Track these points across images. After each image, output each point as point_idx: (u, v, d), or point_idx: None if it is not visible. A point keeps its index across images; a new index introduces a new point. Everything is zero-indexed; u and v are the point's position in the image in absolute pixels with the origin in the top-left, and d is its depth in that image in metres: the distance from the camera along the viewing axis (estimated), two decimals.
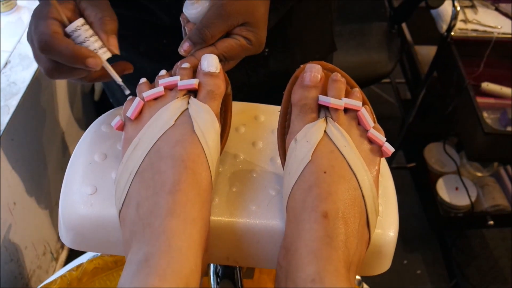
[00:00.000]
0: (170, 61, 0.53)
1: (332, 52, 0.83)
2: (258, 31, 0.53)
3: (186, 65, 0.51)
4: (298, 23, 0.72)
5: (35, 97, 1.18)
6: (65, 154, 1.35)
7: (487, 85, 1.41)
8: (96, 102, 1.55)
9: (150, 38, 0.71)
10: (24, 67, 1.13)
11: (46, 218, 1.31)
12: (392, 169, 2.02)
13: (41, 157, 1.25)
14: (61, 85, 1.34)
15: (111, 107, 0.59)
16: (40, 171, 1.26)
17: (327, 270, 0.40)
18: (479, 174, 1.68)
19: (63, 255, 1.43)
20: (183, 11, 0.55)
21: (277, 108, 0.52)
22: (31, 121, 1.19)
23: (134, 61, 0.73)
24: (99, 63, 0.49)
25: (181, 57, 0.53)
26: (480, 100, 1.35)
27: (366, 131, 0.48)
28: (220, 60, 0.52)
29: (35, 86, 1.14)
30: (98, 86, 1.50)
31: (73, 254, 1.43)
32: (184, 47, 0.52)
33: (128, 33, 0.70)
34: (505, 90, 1.41)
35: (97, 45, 0.50)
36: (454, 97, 1.40)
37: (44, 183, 1.28)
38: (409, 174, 1.86)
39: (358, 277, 0.85)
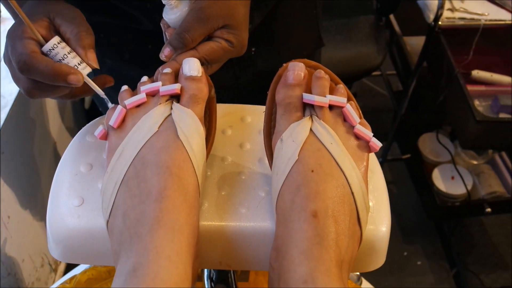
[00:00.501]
0: (156, 67, 0.52)
1: (319, 48, 0.83)
2: (239, 33, 0.53)
3: (167, 70, 0.50)
4: (282, 20, 0.72)
5: (23, 108, 1.17)
6: (57, 164, 1.34)
7: (477, 73, 1.41)
8: (87, 110, 1.54)
9: (134, 45, 0.70)
10: (11, 80, 1.12)
11: (42, 230, 1.30)
12: (387, 161, 2.01)
13: (33, 169, 1.24)
14: None
15: (101, 115, 0.59)
16: (33, 183, 1.25)
17: (318, 270, 0.39)
18: (474, 162, 1.68)
19: (62, 266, 1.42)
20: (163, 16, 0.54)
21: (263, 108, 0.52)
22: (22, 133, 1.18)
23: (120, 69, 0.72)
24: (80, 79, 0.49)
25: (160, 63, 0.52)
26: (470, 88, 1.35)
27: (353, 127, 0.47)
28: (202, 64, 0.51)
29: (23, 98, 1.14)
30: None
31: (72, 264, 1.42)
32: (165, 53, 0.52)
33: (112, 40, 0.69)
34: (495, 77, 1.40)
35: (76, 61, 0.50)
36: (445, 87, 1.40)
37: (38, 194, 1.27)
38: (404, 165, 1.86)
39: (357, 273, 0.85)
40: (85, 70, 0.50)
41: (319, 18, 0.79)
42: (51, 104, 1.34)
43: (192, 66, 0.49)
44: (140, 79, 0.66)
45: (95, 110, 1.51)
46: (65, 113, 1.45)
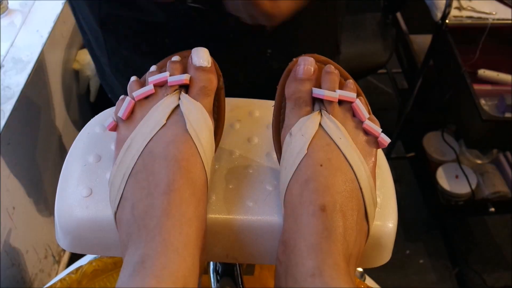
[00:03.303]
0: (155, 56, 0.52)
1: (336, 56, 0.82)
2: None
3: (176, 58, 0.50)
4: (303, 25, 0.71)
5: (30, 100, 1.17)
6: (62, 156, 1.35)
7: (483, 72, 1.40)
8: (92, 103, 1.54)
9: (151, 38, 0.70)
10: (18, 71, 1.13)
11: (47, 221, 1.30)
12: (392, 160, 2.01)
13: (39, 160, 1.25)
14: (56, 87, 1.34)
15: (107, 107, 0.59)
16: (38, 174, 1.25)
17: (326, 264, 0.39)
18: (478, 161, 1.68)
19: (65, 257, 1.43)
20: None
21: (272, 103, 0.52)
22: (27, 125, 1.18)
23: (136, 60, 0.72)
24: None
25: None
26: (477, 87, 1.34)
27: (362, 122, 0.47)
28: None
29: (29, 89, 1.14)
30: (93, 87, 1.49)
31: (75, 256, 1.43)
32: None
33: (129, 32, 0.69)
34: (502, 76, 1.40)
35: None
36: (451, 85, 1.40)
37: (43, 186, 1.27)
38: (409, 164, 1.86)
39: (360, 269, 0.85)
40: None
41: (341, 27, 0.78)
42: (57, 97, 1.35)
43: (201, 56, 0.48)
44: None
45: (101, 103, 1.51)
46: (71, 105, 1.45)
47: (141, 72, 0.53)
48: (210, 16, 0.63)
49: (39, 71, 1.20)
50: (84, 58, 1.44)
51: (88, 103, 1.56)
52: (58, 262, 1.40)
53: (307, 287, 0.38)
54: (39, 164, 1.25)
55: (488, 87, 1.40)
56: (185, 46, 0.52)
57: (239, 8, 0.51)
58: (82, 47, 1.48)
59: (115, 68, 0.76)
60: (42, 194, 1.27)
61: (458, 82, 1.34)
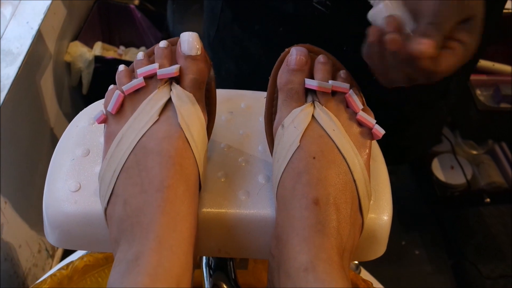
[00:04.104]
0: (279, 49, 0.49)
1: (441, 101, 0.75)
2: (476, 33, 0.42)
3: (163, 43, 0.48)
4: None
5: (20, 94, 1.15)
6: None
7: (479, 62, 1.40)
8: (85, 95, 1.53)
9: (267, 22, 0.68)
10: (8, 63, 1.11)
11: (39, 216, 1.28)
12: None
13: (30, 154, 1.23)
14: (47, 80, 1.32)
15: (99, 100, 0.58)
16: (30, 168, 1.24)
17: (320, 258, 0.39)
18: (474, 152, 1.68)
19: (59, 252, 1.42)
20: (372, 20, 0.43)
21: (264, 95, 0.51)
22: (18, 119, 1.17)
23: (244, 40, 0.71)
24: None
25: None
26: (473, 77, 1.34)
27: (355, 114, 0.46)
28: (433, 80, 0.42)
29: (20, 82, 1.12)
30: (85, 79, 1.47)
31: (69, 250, 1.42)
32: (425, 44, 0.39)
33: (247, 11, 0.68)
34: (497, 66, 1.40)
35: None
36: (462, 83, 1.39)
37: (35, 180, 1.26)
38: None
39: (355, 262, 0.85)
40: None
41: (458, 72, 0.68)
42: (48, 90, 1.33)
43: (191, 44, 0.46)
44: (258, 55, 0.62)
45: (93, 95, 1.49)
46: (63, 98, 1.44)
47: (243, 51, 0.48)
48: (330, 20, 0.61)
49: (29, 63, 1.18)
50: (76, 50, 1.42)
51: (81, 95, 1.54)
52: (52, 256, 1.39)
53: (300, 282, 0.38)
54: (31, 158, 1.24)
55: (483, 77, 1.40)
56: (296, 41, 0.49)
57: (394, 70, 0.43)
58: (74, 39, 1.46)
59: (220, 43, 0.76)
60: (35, 188, 1.26)
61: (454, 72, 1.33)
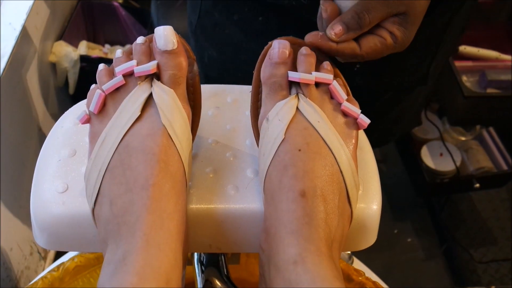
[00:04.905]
0: (260, 34, 0.49)
1: (422, 86, 0.79)
2: (410, 28, 0.48)
3: (141, 39, 0.47)
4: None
5: (6, 95, 1.14)
6: None
7: (464, 48, 1.40)
8: (72, 95, 1.52)
9: (247, 10, 0.68)
10: None
11: (30, 218, 1.28)
12: None
13: (18, 156, 1.22)
14: (32, 81, 1.31)
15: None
16: (19, 170, 1.23)
17: (308, 250, 0.39)
18: (462, 138, 1.69)
19: (51, 253, 1.41)
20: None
21: (250, 88, 0.50)
22: (5, 120, 1.16)
23: (225, 26, 0.71)
24: None
25: (271, 38, 0.48)
26: (458, 64, 1.34)
27: (340, 104, 0.46)
28: (358, 61, 0.48)
29: (5, 84, 1.11)
30: (71, 79, 1.46)
31: (61, 251, 1.41)
32: (335, 30, 0.47)
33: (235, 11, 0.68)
34: (482, 52, 1.40)
35: None
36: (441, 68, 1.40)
37: (24, 181, 1.25)
38: (394, 143, 1.87)
39: (348, 252, 0.85)
40: None
41: (437, 60, 0.75)
42: (34, 91, 1.32)
43: (165, 38, 0.45)
44: (239, 42, 0.62)
45: (80, 95, 1.48)
46: (49, 99, 1.42)
47: (227, 38, 0.48)
48: (309, 10, 0.60)
49: (14, 65, 1.17)
50: (61, 50, 1.41)
51: (68, 95, 1.53)
52: (44, 258, 1.38)
53: (290, 275, 0.38)
54: (19, 159, 1.23)
55: (469, 63, 1.40)
56: (275, 29, 0.49)
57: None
58: (58, 38, 1.44)
59: (201, 30, 0.76)
60: (24, 189, 1.25)
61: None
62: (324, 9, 0.49)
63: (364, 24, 0.47)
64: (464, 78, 1.36)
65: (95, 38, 1.67)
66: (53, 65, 1.43)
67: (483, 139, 1.66)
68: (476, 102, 1.28)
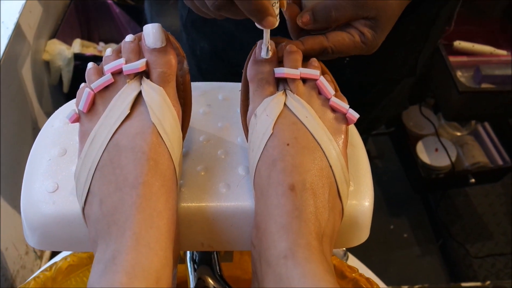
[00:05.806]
0: (251, 23, 0.48)
1: (409, 78, 0.81)
2: (380, 32, 0.49)
3: (130, 38, 0.47)
4: (389, 41, 0.70)
5: (0, 93, 1.14)
6: None
7: (459, 44, 1.40)
8: (66, 94, 1.51)
9: None
10: None
11: None
12: (372, 136, 2.01)
13: (12, 155, 1.22)
14: (26, 80, 1.30)
15: None
16: (13, 169, 1.23)
17: (298, 244, 0.39)
18: (457, 133, 1.69)
19: (47, 252, 1.41)
20: None
21: (240, 86, 0.50)
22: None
23: (215, 18, 0.71)
24: (275, 23, 0.45)
25: (261, 29, 0.48)
26: (453, 59, 1.34)
27: (328, 100, 0.46)
28: (327, 54, 0.48)
29: None
30: (65, 77, 1.46)
31: (57, 251, 1.41)
32: (303, 19, 0.48)
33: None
34: (477, 47, 1.40)
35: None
36: (427, 58, 1.39)
37: (18, 181, 1.25)
38: (389, 139, 1.87)
39: (343, 248, 0.85)
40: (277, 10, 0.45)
41: (425, 51, 0.77)
42: (28, 89, 1.32)
43: (153, 35, 0.45)
44: (240, 36, 0.62)
45: (74, 93, 1.48)
46: (43, 97, 1.42)
47: (217, 32, 0.48)
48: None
49: (7, 63, 1.16)
50: (54, 48, 1.40)
51: (62, 94, 1.53)
52: (40, 257, 1.38)
53: (281, 269, 0.38)
54: (13, 158, 1.23)
55: (464, 58, 1.40)
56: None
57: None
58: (51, 37, 1.44)
59: (192, 23, 0.77)
60: (18, 189, 1.24)
61: (434, 54, 1.34)
62: (284, 11, 0.50)
63: (331, 20, 0.48)
64: (459, 73, 1.36)
65: (89, 36, 1.66)
66: (47, 64, 1.43)
67: (478, 134, 1.66)
68: (471, 97, 1.28)
